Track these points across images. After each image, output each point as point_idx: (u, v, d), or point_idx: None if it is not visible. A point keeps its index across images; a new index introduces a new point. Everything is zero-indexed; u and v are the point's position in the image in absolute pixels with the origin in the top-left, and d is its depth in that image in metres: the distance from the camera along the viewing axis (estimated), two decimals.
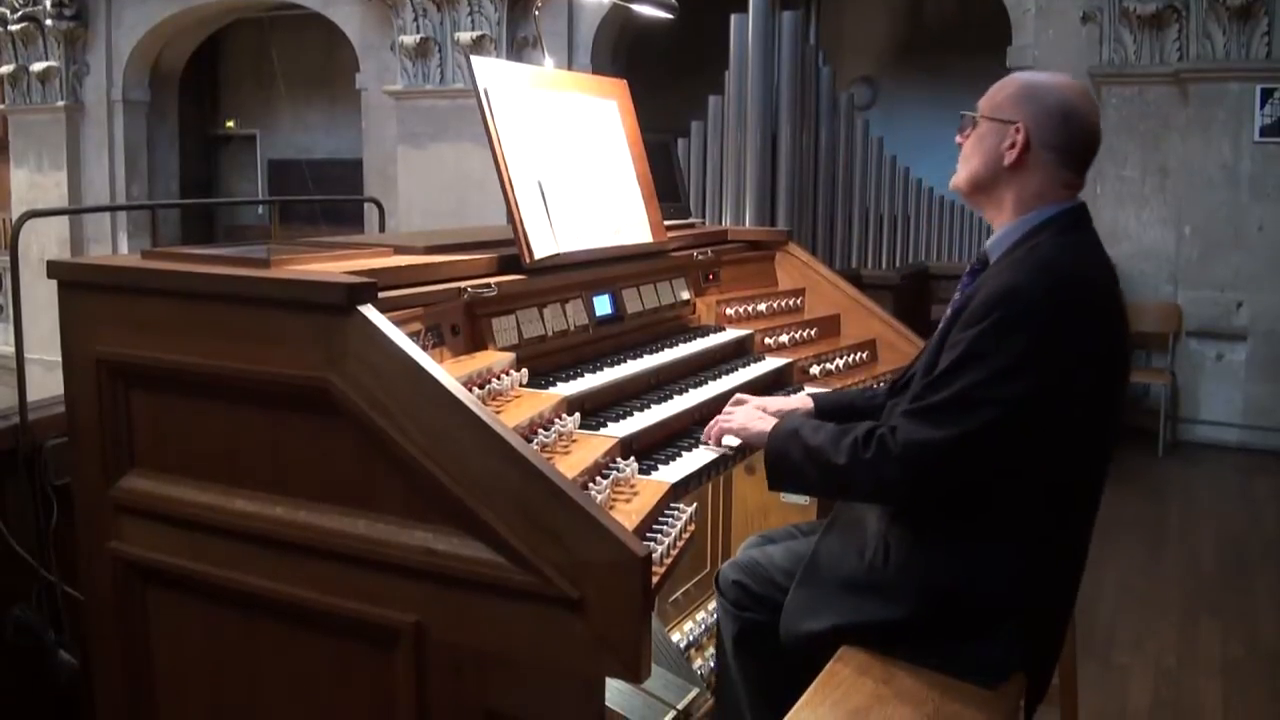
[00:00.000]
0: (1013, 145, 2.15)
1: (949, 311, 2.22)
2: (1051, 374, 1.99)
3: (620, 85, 3.12)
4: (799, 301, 3.62)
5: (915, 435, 2.03)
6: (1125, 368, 2.19)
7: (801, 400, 2.64)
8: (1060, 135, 2.15)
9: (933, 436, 2.01)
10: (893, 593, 2.16)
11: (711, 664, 3.08)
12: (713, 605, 2.94)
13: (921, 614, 2.13)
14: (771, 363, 3.08)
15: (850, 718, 1.98)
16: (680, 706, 2.81)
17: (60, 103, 11.90)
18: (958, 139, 2.29)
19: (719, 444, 2.42)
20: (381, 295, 1.91)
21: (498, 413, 2.03)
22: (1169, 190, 7.83)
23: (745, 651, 2.50)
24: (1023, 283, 2.03)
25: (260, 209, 14.24)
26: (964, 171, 2.25)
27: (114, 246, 11.69)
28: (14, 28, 11.97)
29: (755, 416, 2.39)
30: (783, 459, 2.25)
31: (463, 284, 2.33)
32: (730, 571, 2.53)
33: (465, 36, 10.01)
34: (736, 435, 2.38)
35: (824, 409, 2.58)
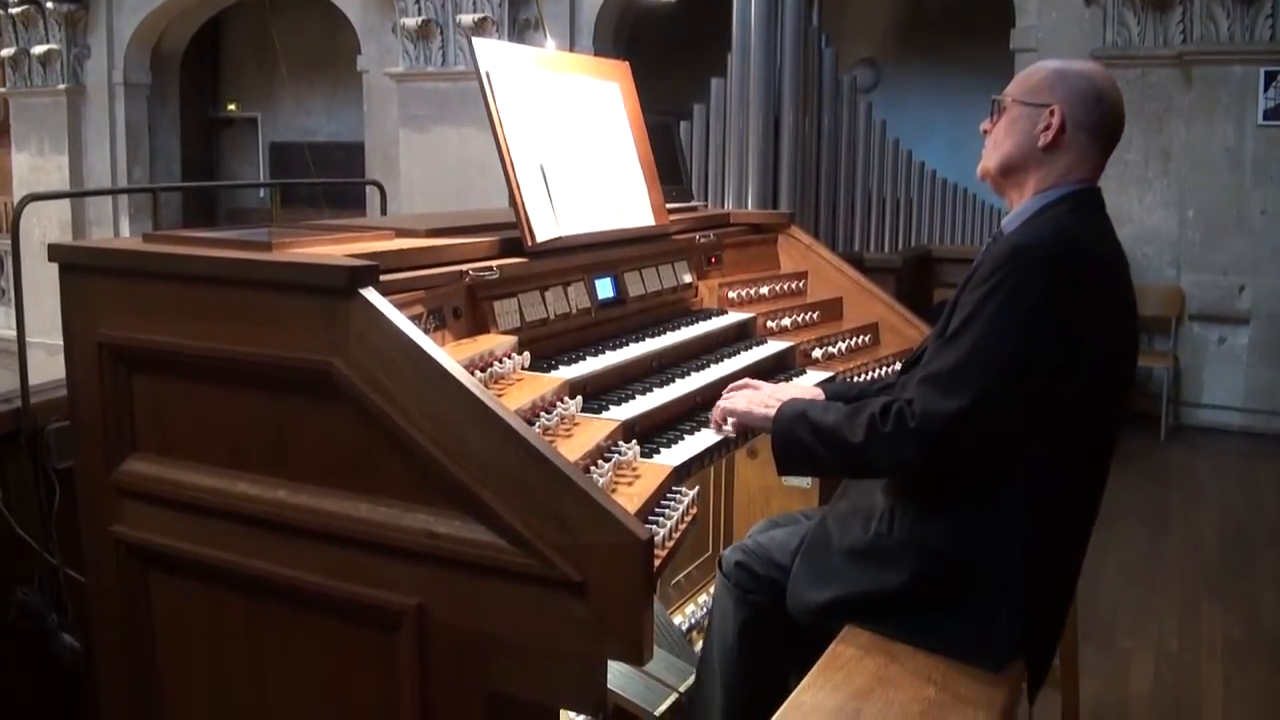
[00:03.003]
0: (1048, 127, 2.19)
1: (962, 281, 2.23)
2: (1059, 330, 2.02)
3: (622, 67, 3.11)
4: (801, 285, 3.62)
5: (932, 405, 2.04)
6: (1133, 345, 2.21)
7: (809, 390, 2.64)
8: (1093, 116, 2.19)
9: (950, 404, 2.02)
10: (896, 560, 2.17)
11: (705, 638, 3.09)
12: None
13: (923, 581, 2.14)
14: (774, 346, 3.07)
15: (853, 699, 1.98)
16: (682, 689, 2.82)
17: (61, 86, 11.89)
18: (984, 126, 2.33)
19: (719, 425, 2.41)
20: (383, 278, 1.91)
21: (499, 396, 2.04)
22: (1172, 173, 7.82)
23: (743, 636, 2.49)
24: (1031, 241, 2.07)
25: (262, 192, 14.22)
26: (995, 155, 2.27)
27: (115, 230, 11.68)
28: (15, 10, 11.96)
29: (759, 401, 2.39)
30: (791, 441, 2.25)
31: (465, 267, 2.32)
32: (733, 554, 2.53)
33: (467, 19, 9.98)
34: (740, 419, 2.38)
35: (833, 397, 2.58)
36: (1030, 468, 2.09)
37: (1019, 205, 2.25)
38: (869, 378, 3.12)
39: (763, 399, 2.40)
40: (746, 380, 2.61)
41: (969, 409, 2.01)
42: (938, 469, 2.12)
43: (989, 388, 2.01)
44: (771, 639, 2.44)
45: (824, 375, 2.99)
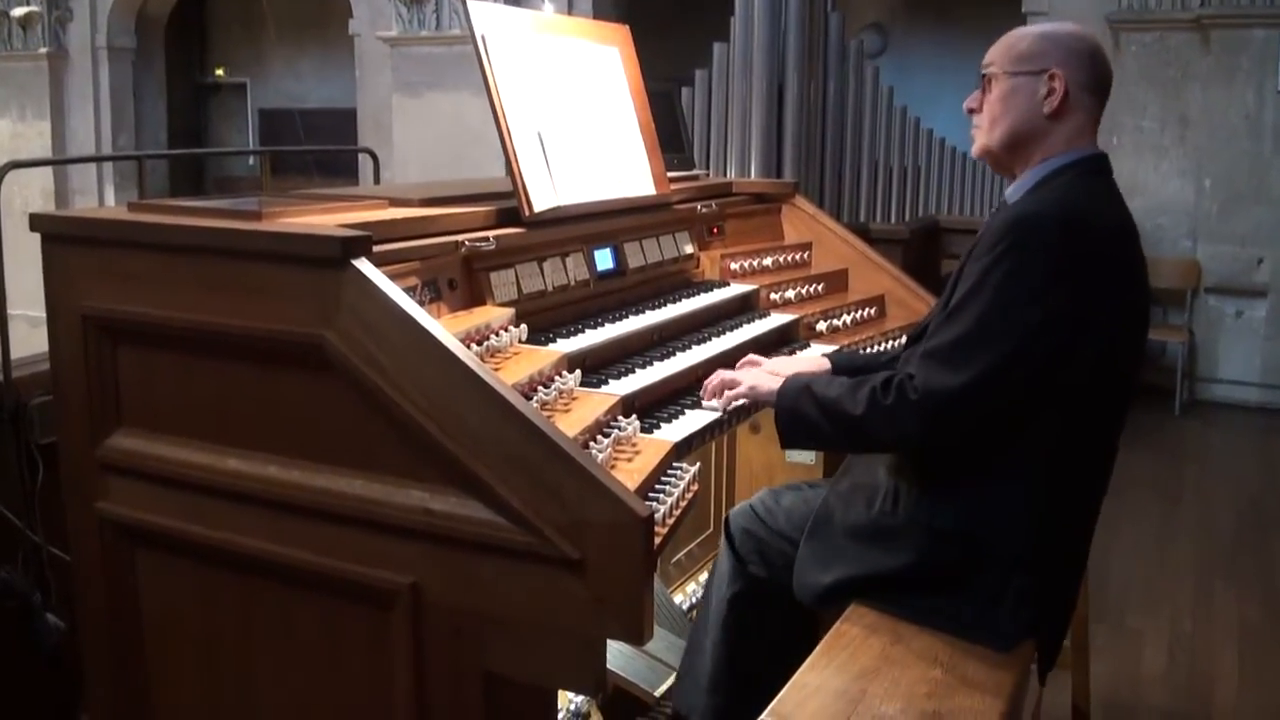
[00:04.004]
0: (1050, 93, 2.16)
1: (966, 253, 2.22)
2: (1066, 301, 2.01)
3: (622, 31, 3.10)
4: (805, 256, 3.62)
5: (934, 380, 2.04)
6: (1144, 315, 2.20)
7: (815, 361, 2.64)
8: (1093, 75, 2.18)
9: (952, 379, 2.03)
10: (902, 539, 2.18)
11: (700, 600, 3.10)
12: None
13: (930, 561, 2.15)
14: (777, 319, 3.08)
15: (858, 680, 1.99)
16: None
17: (43, 50, 11.81)
18: (969, 104, 2.28)
19: (717, 396, 2.41)
20: (376, 249, 1.90)
21: (496, 370, 2.04)
22: (1189, 141, 7.79)
23: (740, 608, 2.50)
24: (1035, 210, 2.07)
25: (251, 160, 14.17)
26: (997, 131, 2.22)
27: (100, 199, 11.64)
28: None
29: (763, 376, 2.39)
30: (795, 415, 2.26)
31: (460, 237, 2.32)
32: (740, 518, 2.54)
33: None
34: (744, 394, 2.38)
35: (841, 369, 2.58)
36: (1038, 443, 2.09)
37: (1023, 175, 2.23)
38: (876, 350, 3.12)
39: (767, 373, 2.40)
40: (751, 357, 2.61)
41: (973, 383, 2.02)
42: (940, 443, 2.12)
43: (993, 362, 2.01)
44: (765, 610, 2.45)
45: (830, 349, 2.99)
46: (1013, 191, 2.23)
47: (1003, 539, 2.11)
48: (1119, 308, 2.10)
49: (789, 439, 2.30)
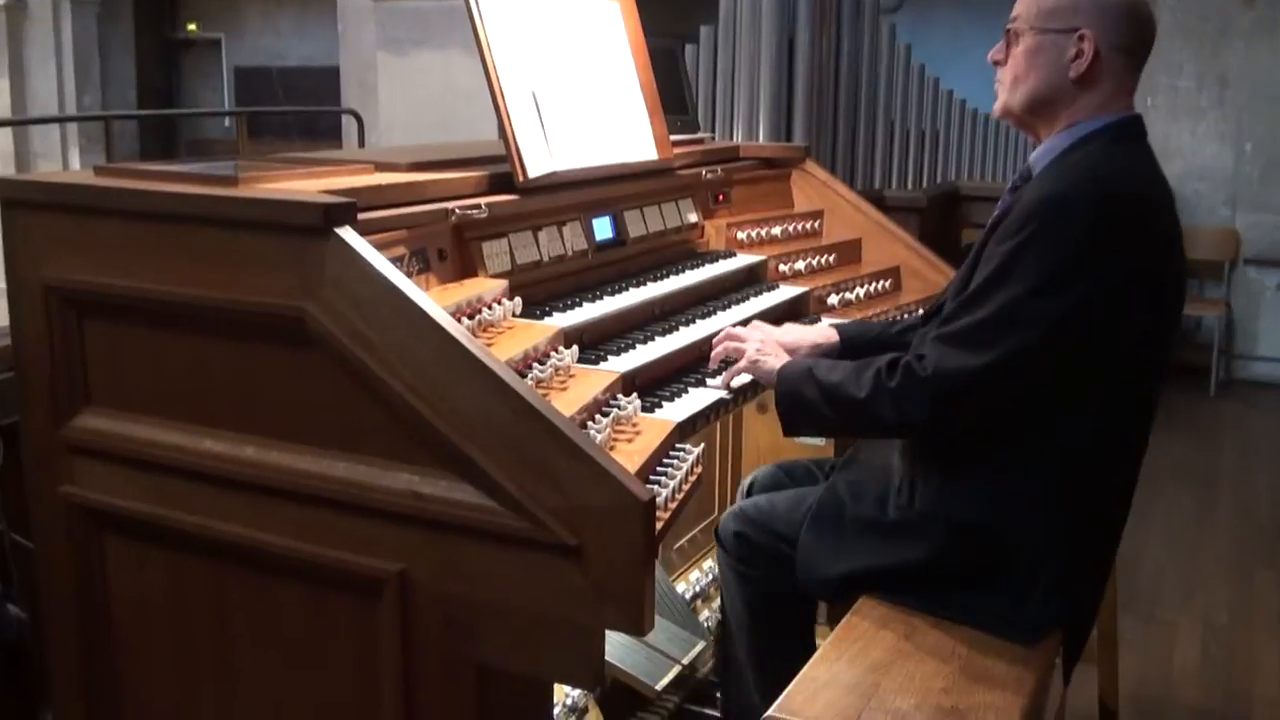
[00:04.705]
0: (1078, 55, 2.11)
1: (986, 228, 2.22)
2: (1095, 289, 1.99)
3: None
4: (817, 225, 3.62)
5: (947, 362, 2.04)
6: (1179, 293, 2.19)
7: (823, 332, 2.64)
8: (1127, 34, 2.13)
9: (967, 363, 2.02)
10: (920, 534, 2.19)
11: (719, 615, 3.12)
12: None
13: (950, 556, 2.16)
14: (786, 291, 3.08)
15: (870, 673, 2.01)
16: (685, 661, 2.86)
17: (0, 1, 11.78)
18: (994, 55, 2.25)
19: (723, 360, 2.43)
20: (361, 217, 1.91)
21: (489, 345, 2.04)
22: (1229, 102, 7.77)
23: (755, 612, 2.52)
24: (1064, 190, 2.03)
25: (226, 121, 14.11)
26: (1019, 92, 2.20)
27: (64, 162, 11.62)
28: None
29: (767, 352, 2.39)
30: (796, 399, 2.26)
31: (450, 205, 2.32)
32: (730, 522, 2.54)
33: None
34: (746, 370, 2.39)
35: (848, 342, 2.59)
36: (1065, 430, 2.09)
37: (1049, 140, 2.20)
38: (889, 320, 3.12)
39: (773, 346, 2.40)
40: (756, 323, 2.61)
41: (987, 368, 2.01)
42: (945, 429, 2.12)
43: (1012, 349, 2.00)
44: (785, 606, 2.46)
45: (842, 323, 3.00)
46: (1037, 157, 2.21)
47: (1027, 534, 2.12)
48: (1154, 285, 2.08)
49: (789, 423, 2.31)
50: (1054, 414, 2.08)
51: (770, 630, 2.51)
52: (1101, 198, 2.02)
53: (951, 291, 2.21)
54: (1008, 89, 2.22)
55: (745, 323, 2.67)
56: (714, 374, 2.45)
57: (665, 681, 2.79)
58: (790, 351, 2.45)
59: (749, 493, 2.74)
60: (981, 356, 2.01)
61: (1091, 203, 2.01)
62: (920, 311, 2.44)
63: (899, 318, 3.21)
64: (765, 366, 2.36)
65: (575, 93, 2.75)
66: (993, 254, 2.07)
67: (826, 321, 2.82)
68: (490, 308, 2.21)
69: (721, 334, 2.47)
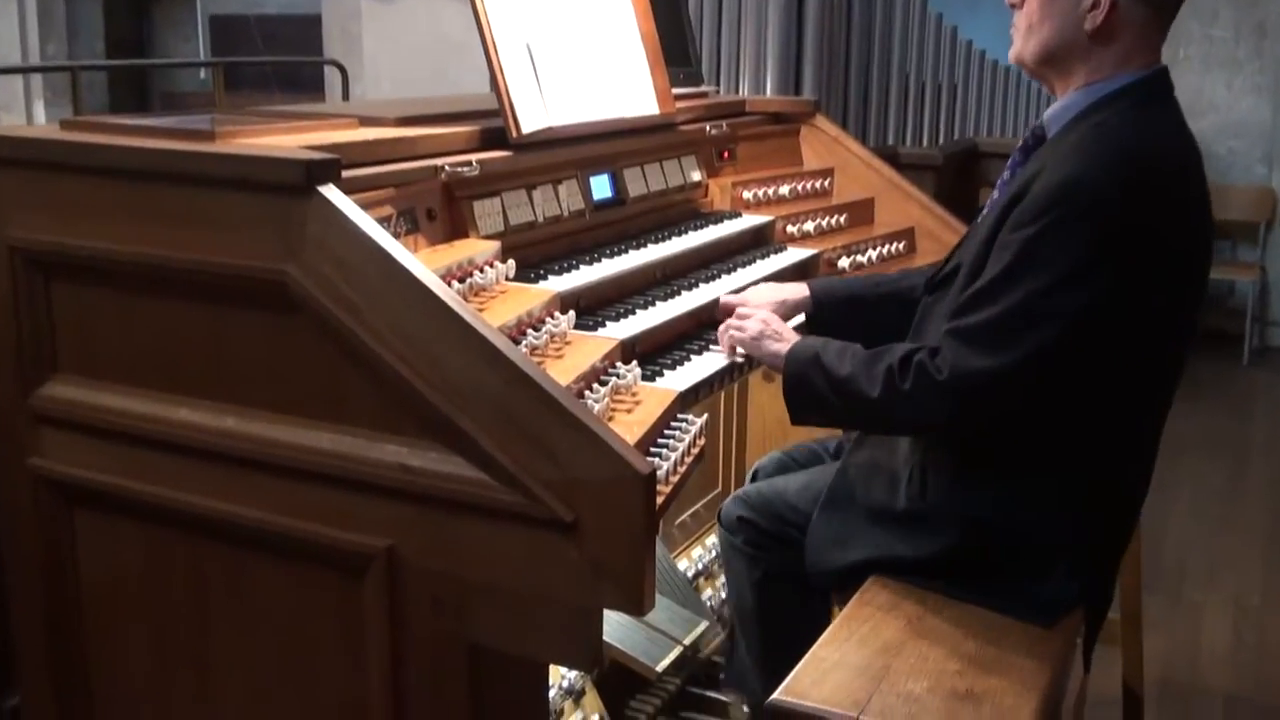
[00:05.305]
0: (1095, 6, 2.08)
1: (996, 194, 2.20)
2: (1123, 277, 1.97)
3: None
4: (827, 183, 3.61)
5: (966, 362, 2.01)
6: (1205, 268, 2.17)
7: (794, 289, 2.64)
8: None
9: (986, 364, 2.00)
10: (933, 527, 2.19)
11: (723, 595, 3.13)
12: None
13: (965, 549, 2.16)
14: (794, 254, 3.08)
15: (880, 654, 2.02)
16: (687, 641, 2.87)
17: None
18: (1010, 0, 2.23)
19: (733, 354, 2.44)
20: (345, 174, 1.91)
21: (480, 310, 2.05)
22: (1267, 54, 7.74)
23: (762, 594, 2.53)
24: (1086, 173, 1.99)
25: (202, 73, 14.05)
26: (1031, 42, 2.17)
27: (28, 116, 11.57)
28: None
29: (770, 335, 2.37)
30: (804, 389, 2.25)
31: (440, 162, 2.32)
32: (735, 507, 2.54)
33: None
34: (750, 352, 2.40)
35: (822, 300, 2.61)
36: (1085, 416, 2.09)
37: (1066, 97, 2.17)
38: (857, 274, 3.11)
39: (773, 331, 2.38)
40: (759, 287, 2.61)
41: (1011, 367, 1.99)
42: (967, 430, 2.12)
43: (1037, 346, 1.98)
44: (795, 587, 2.47)
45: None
46: (1052, 116, 2.19)
47: (1045, 525, 2.13)
48: (1180, 265, 2.07)
49: (797, 413, 2.30)
50: (1073, 401, 2.07)
51: (779, 611, 2.51)
52: (1128, 180, 1.99)
53: (964, 270, 2.16)
54: (1022, 35, 2.19)
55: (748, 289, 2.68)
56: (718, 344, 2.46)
57: (666, 663, 2.80)
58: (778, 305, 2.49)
59: (754, 480, 2.75)
60: (1003, 356, 1.99)
61: (1118, 186, 1.98)
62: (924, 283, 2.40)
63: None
64: (768, 350, 2.35)
65: (572, 43, 2.74)
66: (1009, 241, 2.03)
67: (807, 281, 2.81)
68: (482, 271, 2.21)
69: (722, 326, 2.46)
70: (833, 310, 2.63)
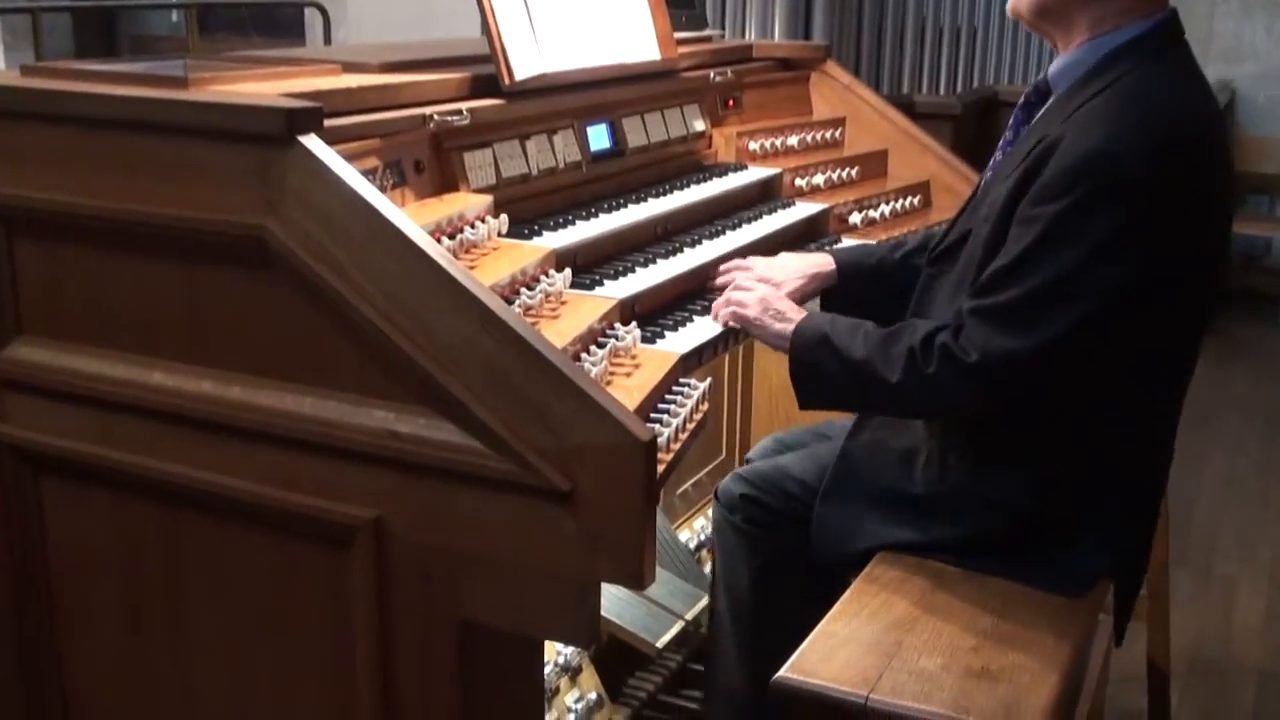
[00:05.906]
0: None
1: (998, 156, 2.19)
2: (1151, 252, 1.98)
3: None
4: (838, 134, 3.61)
5: (995, 344, 2.01)
6: (1228, 229, 2.19)
7: (818, 261, 2.61)
8: None
9: (1018, 344, 2.00)
10: (952, 511, 2.20)
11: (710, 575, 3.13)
12: None
13: (988, 533, 2.17)
14: (803, 209, 3.08)
15: (892, 630, 2.03)
16: (689, 616, 2.88)
17: None
18: None
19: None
20: (328, 123, 1.91)
21: (471, 267, 2.05)
22: None
23: (761, 585, 2.49)
24: (1112, 145, 1.98)
25: (174, 15, 13.98)
26: None
27: None
28: None
29: (771, 311, 2.34)
30: (813, 372, 2.24)
31: (428, 110, 2.32)
32: (735, 485, 2.52)
33: None
34: (752, 333, 2.38)
35: (846, 271, 2.58)
36: (1117, 394, 2.10)
37: (1069, 53, 2.15)
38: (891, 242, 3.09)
39: (775, 309, 2.35)
40: (737, 262, 2.59)
41: (1047, 347, 1.99)
42: (996, 412, 2.12)
43: (1074, 324, 1.97)
44: (795, 579, 2.45)
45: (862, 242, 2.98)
46: (1058, 73, 2.18)
47: (1076, 503, 2.14)
48: (1208, 226, 2.08)
49: (806, 399, 2.28)
50: (1104, 377, 2.07)
51: (775, 607, 2.48)
52: (1156, 149, 1.98)
53: (981, 243, 2.14)
54: None
55: (758, 248, 2.67)
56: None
57: (667, 638, 2.80)
58: (778, 287, 2.45)
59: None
60: (1034, 336, 1.99)
61: (1145, 158, 1.96)
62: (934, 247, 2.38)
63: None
64: (772, 330, 2.32)
65: None
66: (1034, 215, 2.02)
67: (827, 249, 2.79)
68: (473, 226, 2.21)
69: (719, 300, 2.43)
70: (858, 282, 2.59)
